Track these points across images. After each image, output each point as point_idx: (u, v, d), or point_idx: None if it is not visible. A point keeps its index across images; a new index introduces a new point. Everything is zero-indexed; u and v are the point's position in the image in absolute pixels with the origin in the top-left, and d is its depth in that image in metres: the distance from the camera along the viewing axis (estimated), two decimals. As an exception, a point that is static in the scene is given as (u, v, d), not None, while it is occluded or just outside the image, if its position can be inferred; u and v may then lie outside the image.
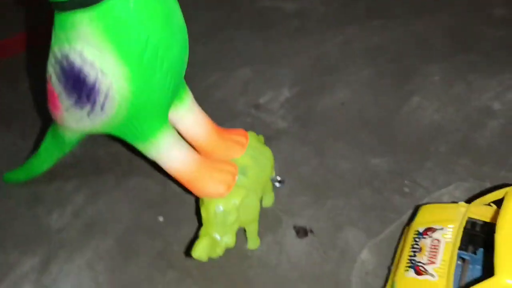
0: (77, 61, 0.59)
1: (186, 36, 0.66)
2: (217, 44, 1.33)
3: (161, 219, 0.90)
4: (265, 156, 0.81)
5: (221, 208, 0.72)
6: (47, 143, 0.86)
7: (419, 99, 1.05)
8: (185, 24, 0.65)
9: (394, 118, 1.03)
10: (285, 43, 1.29)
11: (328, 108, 1.07)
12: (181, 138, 0.73)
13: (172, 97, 0.69)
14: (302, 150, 0.98)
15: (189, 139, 0.77)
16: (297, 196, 0.89)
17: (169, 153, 0.70)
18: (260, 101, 1.12)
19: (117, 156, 1.04)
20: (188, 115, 0.75)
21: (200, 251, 0.69)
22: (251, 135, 0.82)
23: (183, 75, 0.71)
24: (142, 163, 1.00)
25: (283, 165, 0.94)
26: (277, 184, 0.86)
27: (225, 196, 0.71)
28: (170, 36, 0.61)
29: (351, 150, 0.97)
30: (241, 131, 0.80)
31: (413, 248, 0.71)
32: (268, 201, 0.88)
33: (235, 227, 0.74)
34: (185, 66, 0.69)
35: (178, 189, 0.93)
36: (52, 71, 0.64)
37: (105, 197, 0.96)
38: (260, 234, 0.82)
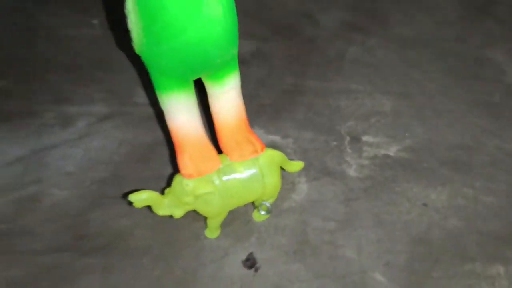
0: None
1: (225, 28, 0.65)
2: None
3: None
4: (263, 179, 0.78)
5: (181, 184, 0.76)
6: None
7: None
8: (228, 16, 0.64)
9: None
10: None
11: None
12: (191, 108, 0.74)
13: (193, 73, 0.71)
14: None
15: (212, 114, 0.79)
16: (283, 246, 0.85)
17: (169, 112, 0.74)
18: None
19: None
20: (219, 97, 0.75)
21: (136, 198, 0.75)
22: (271, 155, 0.79)
23: (221, 61, 0.71)
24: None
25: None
26: (262, 211, 0.83)
27: (188, 178, 0.75)
28: (191, 23, 0.62)
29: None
30: (258, 144, 0.77)
31: None
32: (257, 216, 0.87)
33: (188, 208, 0.77)
34: (221, 55, 0.68)
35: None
36: None
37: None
38: (224, 231, 0.85)
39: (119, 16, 1.24)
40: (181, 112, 0.74)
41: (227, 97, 0.76)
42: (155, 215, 0.85)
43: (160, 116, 1.02)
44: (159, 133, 0.99)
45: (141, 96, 1.05)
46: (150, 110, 1.03)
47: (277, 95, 1.06)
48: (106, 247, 0.83)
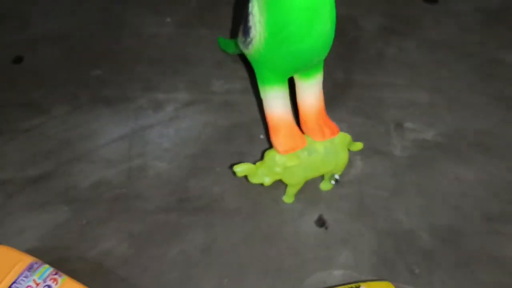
0: (249, 9, 0.84)
1: (329, 38, 0.84)
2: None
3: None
4: (337, 156, 0.98)
5: (274, 158, 0.96)
6: (230, 41, 1.19)
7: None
8: (332, 30, 0.83)
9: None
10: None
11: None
12: (286, 99, 0.94)
13: (294, 71, 0.90)
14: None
15: (298, 103, 0.99)
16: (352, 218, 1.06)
17: (268, 101, 0.94)
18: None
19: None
20: (307, 90, 0.95)
21: (240, 169, 0.95)
22: (343, 136, 0.99)
23: (316, 62, 0.90)
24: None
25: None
26: (332, 181, 1.04)
27: (281, 154, 0.95)
28: (308, 40, 0.80)
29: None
30: (335, 128, 0.98)
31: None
32: (324, 186, 1.08)
33: (276, 177, 0.97)
34: (319, 58, 0.88)
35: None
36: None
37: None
38: (297, 198, 1.05)
39: (187, 15, 1.42)
40: (278, 101, 0.94)
41: (313, 89, 0.96)
42: (240, 184, 1.05)
43: (233, 104, 1.21)
44: (235, 117, 1.18)
45: (217, 86, 1.24)
46: (224, 98, 1.22)
47: (329, 87, 1.26)
48: (205, 208, 1.02)
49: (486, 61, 1.35)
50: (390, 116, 1.22)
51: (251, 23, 0.85)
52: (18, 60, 1.28)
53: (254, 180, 0.98)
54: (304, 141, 0.96)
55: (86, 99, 1.19)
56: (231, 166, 1.07)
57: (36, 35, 1.34)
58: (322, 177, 1.07)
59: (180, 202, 1.03)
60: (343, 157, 1.00)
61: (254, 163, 0.98)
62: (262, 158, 1.00)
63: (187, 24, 1.38)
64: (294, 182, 1.00)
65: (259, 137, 1.15)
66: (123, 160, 1.09)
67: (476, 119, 1.22)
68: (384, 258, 0.97)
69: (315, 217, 1.03)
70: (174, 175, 1.07)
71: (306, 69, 0.92)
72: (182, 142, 1.13)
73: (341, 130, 1.15)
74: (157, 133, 1.14)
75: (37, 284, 0.81)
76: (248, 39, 0.87)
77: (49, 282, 0.82)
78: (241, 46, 0.94)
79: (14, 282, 0.80)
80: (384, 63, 1.32)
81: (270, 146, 1.12)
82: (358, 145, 1.07)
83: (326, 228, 1.02)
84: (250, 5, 0.84)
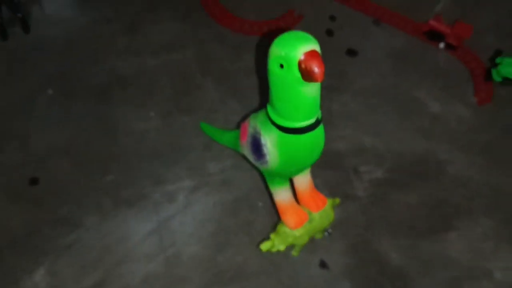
0: (262, 141, 1.11)
1: (320, 154, 1.15)
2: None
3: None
4: (328, 217, 1.32)
5: (286, 231, 1.27)
6: (227, 135, 1.44)
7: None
8: (322, 147, 1.14)
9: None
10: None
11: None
12: (289, 190, 1.26)
13: (294, 175, 1.22)
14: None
15: (295, 187, 1.30)
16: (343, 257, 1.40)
17: (277, 194, 1.26)
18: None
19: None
20: (301, 179, 1.28)
21: (264, 247, 1.26)
22: (329, 201, 1.33)
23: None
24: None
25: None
26: (326, 233, 1.38)
27: (292, 229, 1.26)
28: (309, 159, 1.12)
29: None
30: (324, 199, 1.31)
31: None
32: (318, 235, 1.40)
33: (289, 244, 1.29)
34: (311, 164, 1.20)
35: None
36: (250, 129, 1.17)
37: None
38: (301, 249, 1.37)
39: (167, 105, 1.63)
40: (284, 192, 1.25)
41: (306, 178, 1.28)
42: (256, 250, 1.34)
43: (229, 180, 1.48)
44: (235, 192, 1.46)
45: (212, 168, 1.50)
46: (221, 177, 1.49)
47: (298, 148, 1.58)
48: (236, 276, 1.31)
49: (405, 101, 1.75)
50: (348, 164, 1.57)
51: (265, 151, 1.11)
52: (34, 181, 1.42)
53: (273, 249, 1.29)
54: (306, 215, 1.28)
55: (109, 205, 1.39)
56: (246, 236, 1.37)
57: (41, 152, 1.49)
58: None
59: (216, 276, 1.30)
60: (331, 216, 1.34)
61: (261, 229, 1.29)
62: (273, 228, 1.31)
63: (169, 114, 1.60)
64: (302, 243, 1.31)
65: (258, 205, 1.44)
66: (158, 252, 1.32)
67: (409, 152, 1.62)
68: (374, 280, 1.34)
69: (318, 261, 1.36)
70: (203, 254, 1.34)
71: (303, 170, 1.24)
72: (201, 225, 1.39)
73: (316, 185, 1.49)
74: (178, 222, 1.38)
75: None
76: (263, 161, 1.14)
77: None
78: (254, 162, 1.20)
79: None
80: (333, 119, 1.67)
81: (270, 211, 1.42)
82: (337, 201, 1.41)
83: (328, 268, 1.35)
84: (262, 138, 1.11)
